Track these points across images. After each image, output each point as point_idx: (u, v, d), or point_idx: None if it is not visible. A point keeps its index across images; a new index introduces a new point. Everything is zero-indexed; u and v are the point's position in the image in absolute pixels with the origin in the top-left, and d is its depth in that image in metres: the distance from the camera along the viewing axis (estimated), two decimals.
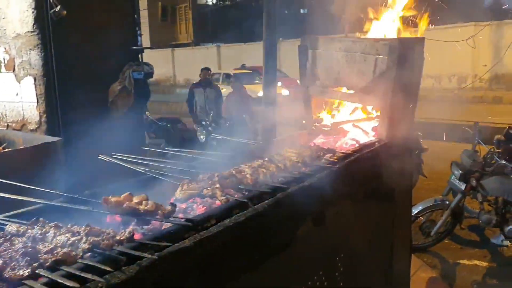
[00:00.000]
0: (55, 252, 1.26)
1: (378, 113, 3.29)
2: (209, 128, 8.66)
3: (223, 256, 1.63)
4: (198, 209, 1.99)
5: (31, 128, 3.96)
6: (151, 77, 4.37)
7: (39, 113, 3.87)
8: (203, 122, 9.02)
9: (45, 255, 1.24)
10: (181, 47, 35.87)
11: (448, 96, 19.02)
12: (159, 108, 20.30)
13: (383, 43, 3.03)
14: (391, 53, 2.93)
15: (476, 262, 5.49)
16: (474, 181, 5.41)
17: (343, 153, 2.71)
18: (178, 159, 2.64)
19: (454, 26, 19.81)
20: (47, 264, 1.22)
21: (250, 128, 9.54)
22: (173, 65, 34.27)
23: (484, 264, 5.43)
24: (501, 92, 18.29)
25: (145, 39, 33.03)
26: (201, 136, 8.67)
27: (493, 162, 5.40)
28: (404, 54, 2.95)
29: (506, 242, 5.43)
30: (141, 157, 2.42)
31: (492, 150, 5.56)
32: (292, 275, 2.10)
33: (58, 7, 3.60)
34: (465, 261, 5.52)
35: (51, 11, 3.63)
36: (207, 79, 10.36)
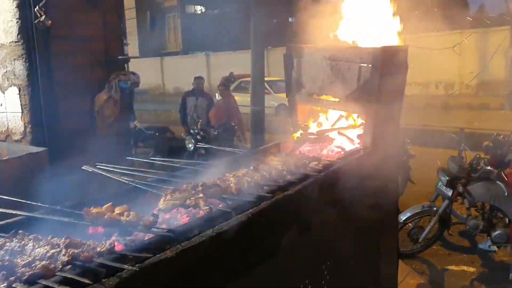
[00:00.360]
0: (33, 265, 1.25)
1: (363, 121, 3.31)
2: (198, 137, 8.64)
3: (205, 267, 1.62)
4: (182, 219, 1.98)
5: (16, 139, 3.92)
6: (137, 86, 4.35)
7: (24, 123, 3.84)
8: (192, 131, 9.00)
9: (23, 269, 1.23)
10: (170, 56, 35.85)
11: (436, 103, 19.18)
12: (148, 117, 20.25)
13: (367, 52, 3.06)
14: (375, 62, 2.96)
15: (464, 267, 5.51)
16: (460, 187, 5.45)
17: (328, 161, 2.72)
18: (164, 168, 2.63)
19: (440, 33, 20.02)
20: (25, 277, 1.20)
21: (239, 136, 9.53)
22: (162, 73, 34.21)
23: (472, 269, 5.46)
24: (488, 99, 18.47)
25: (133, 48, 32.98)
26: (190, 145, 8.63)
27: (479, 167, 5.44)
28: (387, 62, 2.98)
29: (494, 247, 5.45)
30: (125, 167, 2.41)
31: (477, 156, 5.61)
32: (277, 285, 2.09)
33: (43, 17, 3.59)
34: (453, 267, 5.54)
35: (36, 21, 3.61)
36: (200, 88, 10.37)
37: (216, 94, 13.19)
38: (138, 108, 16.56)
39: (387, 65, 2.98)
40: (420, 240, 5.65)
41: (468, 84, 17.72)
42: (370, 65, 3.01)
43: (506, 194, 5.13)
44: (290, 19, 33.11)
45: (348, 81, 3.21)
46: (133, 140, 9.32)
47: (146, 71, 30.71)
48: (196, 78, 10.45)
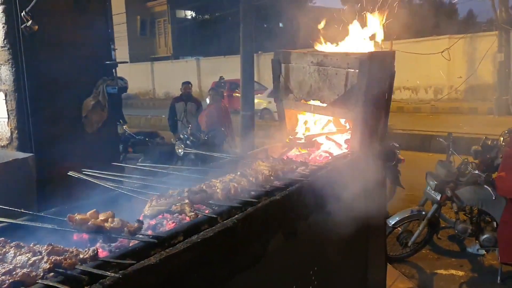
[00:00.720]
0: (13, 273, 1.24)
1: (351, 126, 3.32)
2: (187, 142, 8.62)
3: (190, 273, 1.61)
4: (167, 225, 1.97)
5: (2, 145, 3.88)
6: (125, 91, 4.33)
7: (10, 129, 3.80)
8: (181, 136, 8.98)
9: (3, 277, 1.21)
10: (161, 61, 35.81)
11: (425, 107, 19.33)
12: (138, 122, 20.18)
13: (354, 57, 3.08)
14: (362, 67, 2.98)
15: (453, 271, 5.53)
16: (449, 191, 5.47)
17: (315, 166, 2.72)
18: (153, 174, 2.62)
19: (429, 39, 20.23)
20: (5, 286, 1.19)
21: (229, 141, 9.53)
22: (152, 78, 34.15)
23: (461, 273, 5.48)
24: (476, 103, 18.66)
25: (123, 53, 32.89)
26: (179, 150, 8.61)
27: (467, 172, 5.48)
28: (374, 67, 3.00)
29: (482, 251, 5.47)
30: (112, 173, 2.39)
31: (465, 160, 5.65)
32: None
33: (30, 22, 3.56)
34: (442, 271, 5.56)
35: (22, 26, 3.58)
36: (188, 93, 10.36)
37: (207, 99, 13.18)
38: (128, 113, 16.50)
39: (374, 70, 3.00)
40: (409, 244, 5.66)
41: (457, 88, 17.89)
42: (357, 71, 3.02)
43: (494, 198, 5.16)
44: (280, 25, 33.27)
45: (335, 86, 3.23)
46: (123, 145, 9.28)
47: (136, 76, 30.72)
48: (183, 83, 10.44)
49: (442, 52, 9.99)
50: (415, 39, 19.13)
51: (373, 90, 3.03)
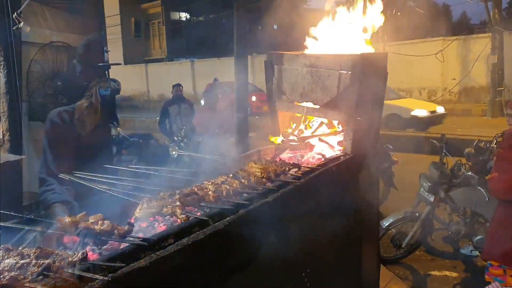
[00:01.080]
0: (1, 276, 1.22)
1: (344, 128, 3.32)
2: (181, 144, 8.60)
3: (181, 276, 1.60)
4: (159, 228, 1.96)
5: None
6: (118, 93, 4.29)
7: (2, 131, 3.78)
8: (175, 138, 8.96)
9: None
10: (155, 63, 35.75)
11: None
12: (132, 124, 20.13)
13: (347, 59, 3.08)
14: (354, 68, 2.98)
15: (447, 273, 5.55)
16: (442, 193, 5.49)
17: (308, 167, 2.71)
18: (146, 176, 2.60)
19: (423, 41, 20.31)
20: None
21: (223, 143, 9.50)
22: (146, 80, 34.07)
23: (455, 274, 5.50)
24: (470, 105, 18.76)
25: (118, 55, 32.84)
26: (173, 152, 8.59)
27: (460, 173, 5.50)
28: (367, 69, 3.00)
29: (475, 252, 5.49)
30: (104, 175, 2.38)
31: (459, 162, 5.67)
32: None
33: (21, 24, 3.55)
34: (436, 272, 5.57)
35: (14, 28, 3.57)
36: (179, 95, 10.34)
37: (201, 101, 13.16)
38: (123, 115, 16.45)
39: (366, 72, 3.00)
40: (403, 245, 5.68)
41: (450, 90, 17.98)
42: (349, 72, 3.02)
43: (487, 200, 5.19)
44: (274, 26, 33.33)
45: (328, 88, 3.23)
46: (117, 147, 9.24)
47: (130, 77, 30.67)
48: (174, 85, 10.41)
49: (436, 54, 10.03)
50: (409, 40, 19.20)
51: (366, 91, 3.03)
